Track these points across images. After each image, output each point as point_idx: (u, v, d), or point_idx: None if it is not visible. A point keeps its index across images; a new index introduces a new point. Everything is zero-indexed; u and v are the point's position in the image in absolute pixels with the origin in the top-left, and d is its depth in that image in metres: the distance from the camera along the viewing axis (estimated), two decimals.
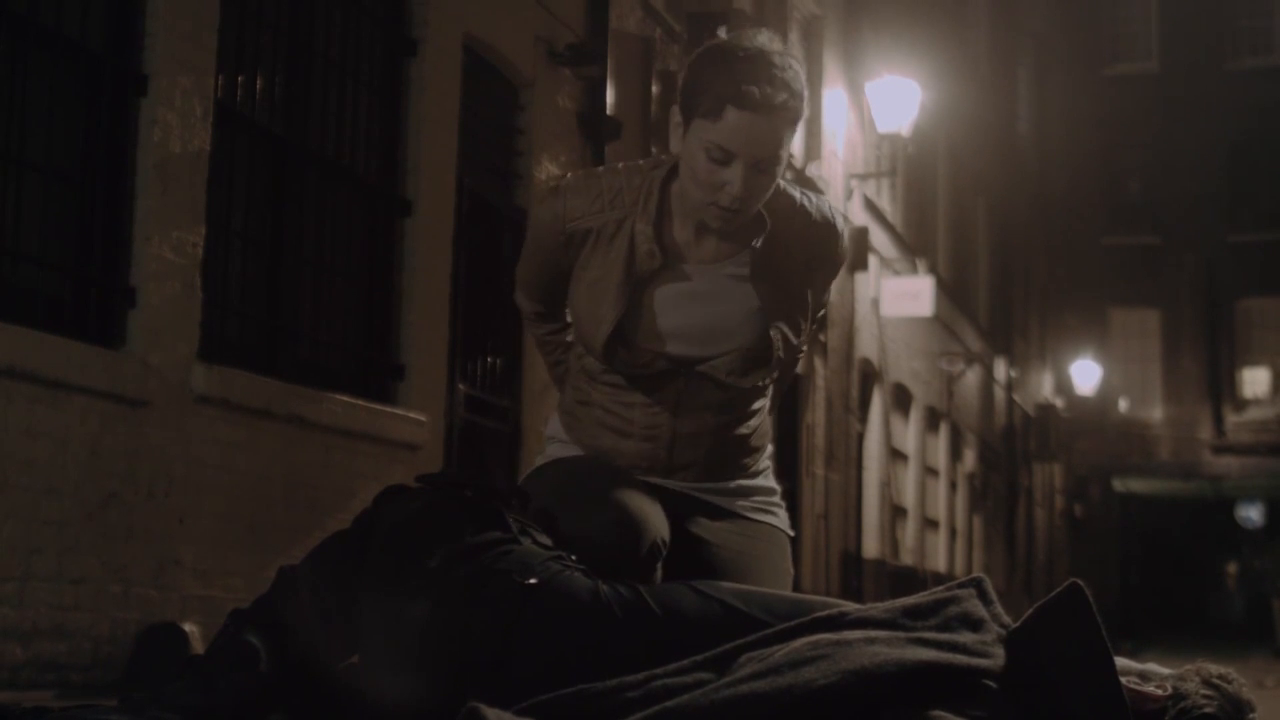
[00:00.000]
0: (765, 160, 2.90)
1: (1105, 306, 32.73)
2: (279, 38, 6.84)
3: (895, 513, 18.46)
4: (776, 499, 3.27)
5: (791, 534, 3.28)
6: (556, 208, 3.11)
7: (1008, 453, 26.23)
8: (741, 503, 3.17)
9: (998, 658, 2.56)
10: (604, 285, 3.06)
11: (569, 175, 3.21)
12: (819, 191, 3.33)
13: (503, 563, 2.66)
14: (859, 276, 16.26)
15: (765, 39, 2.96)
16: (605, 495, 2.94)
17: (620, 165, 3.15)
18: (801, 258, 3.10)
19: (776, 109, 2.87)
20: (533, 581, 2.63)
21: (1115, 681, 2.54)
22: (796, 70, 2.93)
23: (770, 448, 3.30)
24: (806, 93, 2.94)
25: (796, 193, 3.12)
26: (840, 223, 3.16)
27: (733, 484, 3.16)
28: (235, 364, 6.26)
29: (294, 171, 6.89)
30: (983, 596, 2.70)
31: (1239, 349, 32.36)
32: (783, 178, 3.05)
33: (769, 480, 3.27)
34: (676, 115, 2.99)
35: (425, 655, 2.60)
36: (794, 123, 2.92)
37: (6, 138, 5.23)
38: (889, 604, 2.70)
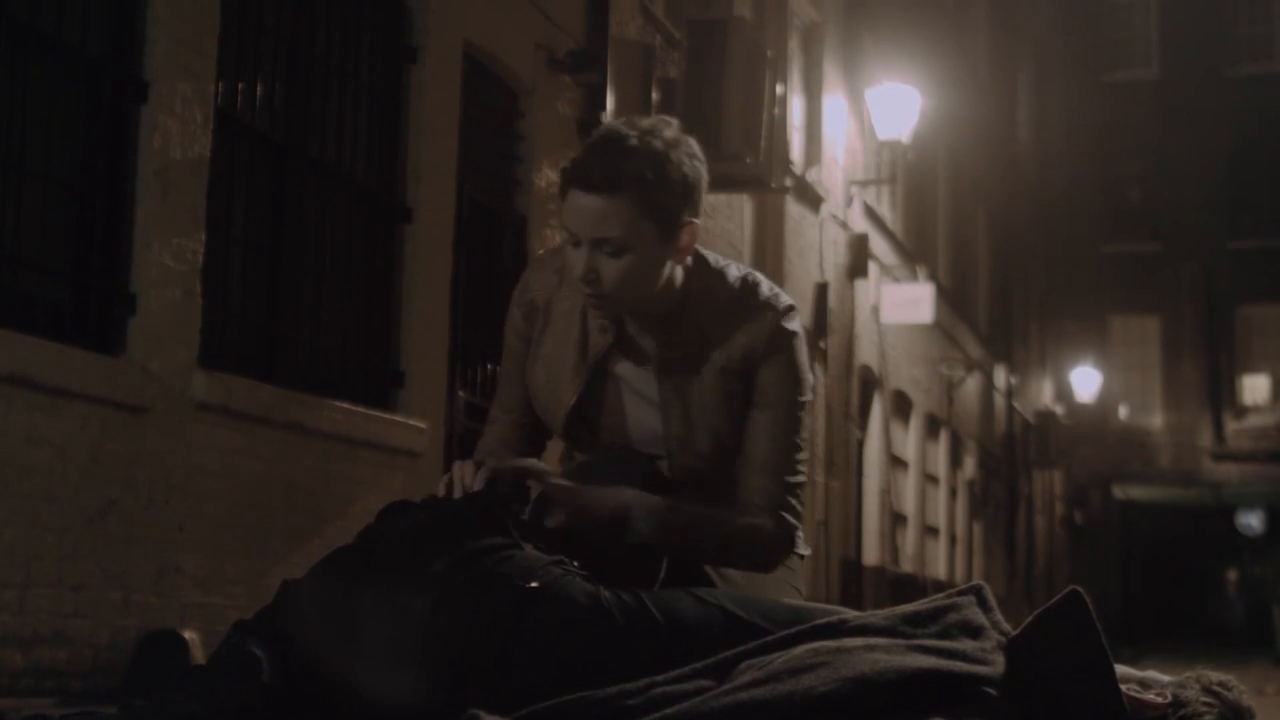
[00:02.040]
0: (605, 242, 2.80)
1: (1105, 313, 32.74)
2: (279, 44, 6.85)
3: (895, 520, 18.46)
4: None
5: (804, 553, 3.17)
6: (520, 286, 3.11)
7: (1008, 460, 26.23)
8: None
9: (998, 665, 2.56)
10: (559, 365, 3.02)
11: (539, 256, 3.21)
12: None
13: (504, 567, 2.66)
14: (859, 283, 16.27)
15: (636, 123, 2.87)
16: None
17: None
18: (727, 349, 2.93)
19: (605, 186, 2.78)
20: (534, 586, 2.63)
21: (1115, 689, 2.54)
22: (657, 155, 2.80)
23: None
24: (669, 179, 2.80)
25: (734, 274, 2.98)
26: (781, 306, 2.96)
27: None
28: (235, 370, 6.26)
29: (294, 178, 6.89)
30: (982, 604, 2.70)
31: (1239, 356, 32.37)
32: (724, 261, 2.99)
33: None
34: None
35: (427, 656, 2.60)
36: (641, 206, 2.79)
37: (7, 144, 5.23)
38: (889, 611, 2.70)
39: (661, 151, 2.82)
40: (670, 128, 2.88)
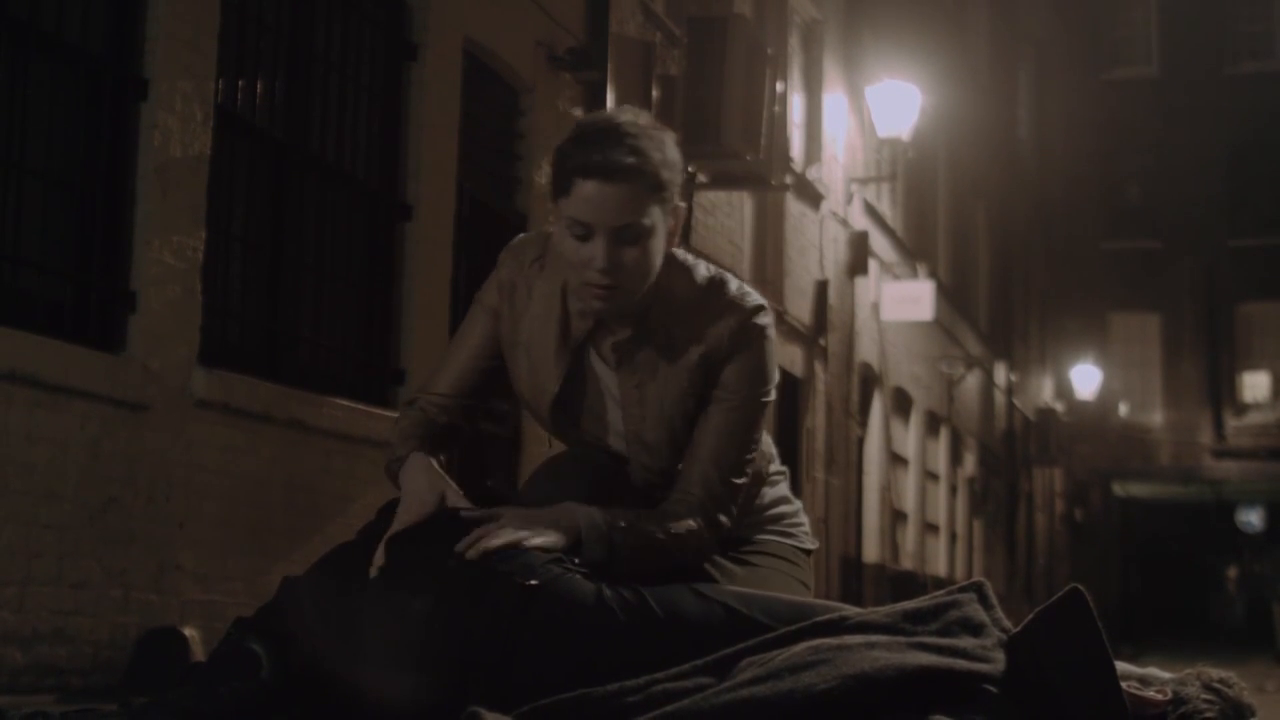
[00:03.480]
0: (625, 229, 2.79)
1: (1105, 311, 32.74)
2: (279, 42, 6.85)
3: (895, 517, 18.47)
4: (785, 519, 3.18)
5: (810, 547, 3.18)
6: (498, 267, 3.09)
7: (1008, 457, 26.23)
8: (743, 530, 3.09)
9: (998, 662, 2.56)
10: (541, 350, 3.00)
11: (521, 237, 3.15)
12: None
13: (504, 565, 2.66)
14: (859, 281, 16.28)
15: (619, 113, 2.87)
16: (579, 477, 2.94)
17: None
18: (691, 347, 2.91)
19: (622, 172, 2.76)
20: (534, 583, 2.63)
21: (1116, 686, 2.54)
22: (655, 139, 2.82)
23: (771, 469, 3.17)
24: (669, 160, 2.81)
25: (702, 273, 2.95)
26: (749, 304, 2.93)
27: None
28: (235, 368, 6.26)
29: (294, 176, 6.89)
30: (983, 601, 2.70)
31: (1239, 353, 32.37)
32: (685, 257, 2.96)
33: (777, 498, 3.18)
34: (554, 209, 2.90)
35: (427, 653, 2.60)
36: (652, 190, 2.79)
37: (7, 142, 5.23)
38: (889, 608, 2.70)
39: (658, 136, 2.84)
40: (644, 115, 2.89)
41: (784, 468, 3.25)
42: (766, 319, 2.96)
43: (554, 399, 2.99)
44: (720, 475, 2.90)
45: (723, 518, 2.91)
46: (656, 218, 2.82)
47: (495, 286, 3.09)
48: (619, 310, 2.89)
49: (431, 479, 2.87)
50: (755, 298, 2.97)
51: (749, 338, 2.92)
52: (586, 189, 2.77)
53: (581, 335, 2.96)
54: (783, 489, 3.21)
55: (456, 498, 2.83)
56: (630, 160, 2.76)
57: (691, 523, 2.85)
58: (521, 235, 3.13)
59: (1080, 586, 2.61)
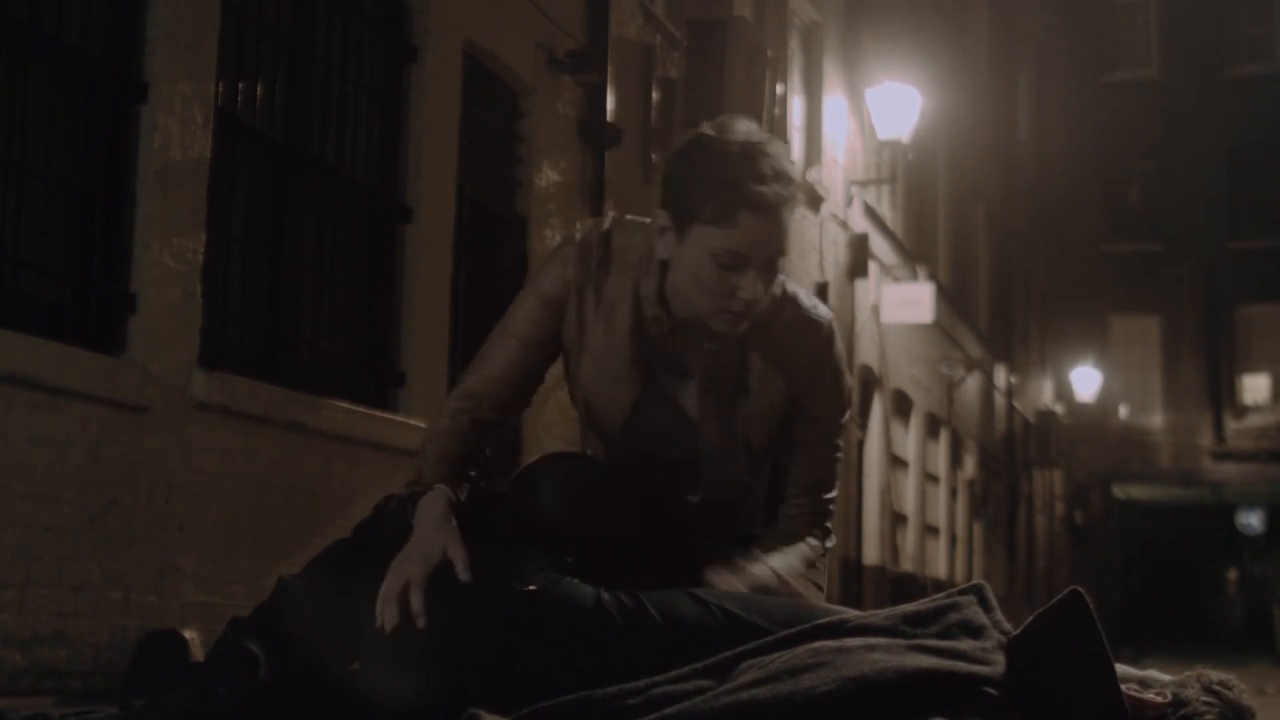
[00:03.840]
0: (776, 258, 2.78)
1: (1105, 313, 32.73)
2: (279, 44, 6.85)
3: (895, 519, 18.46)
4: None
5: (827, 545, 3.18)
6: (563, 268, 2.94)
7: (1008, 459, 26.22)
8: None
9: (998, 665, 2.56)
10: (612, 363, 2.91)
11: (576, 230, 3.01)
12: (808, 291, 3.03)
13: (501, 571, 2.66)
14: (859, 283, 16.27)
15: (747, 128, 2.79)
16: (577, 477, 2.93)
17: (625, 221, 2.99)
18: (771, 366, 2.91)
19: (787, 205, 2.74)
20: (532, 588, 2.63)
21: (1116, 689, 2.54)
22: (785, 152, 2.79)
23: None
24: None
25: (783, 286, 2.93)
26: (825, 321, 2.94)
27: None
28: (235, 370, 6.26)
29: (294, 178, 6.89)
30: (983, 603, 2.70)
31: (1239, 355, 32.36)
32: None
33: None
34: (663, 219, 2.81)
35: (426, 656, 2.60)
36: (793, 211, 2.80)
37: (7, 144, 5.23)
38: (889, 611, 2.70)
39: (788, 152, 2.82)
40: (756, 124, 2.85)
41: None
42: (836, 333, 2.99)
43: (629, 413, 2.93)
44: (817, 499, 2.99)
45: (831, 532, 3.03)
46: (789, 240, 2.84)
47: (561, 283, 2.95)
48: (736, 332, 2.86)
49: (439, 533, 2.71)
50: (825, 311, 2.99)
51: (829, 357, 2.95)
52: (752, 223, 2.71)
53: (661, 351, 2.89)
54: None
55: (457, 552, 2.69)
56: (791, 191, 2.75)
57: (817, 544, 2.97)
58: (581, 231, 2.99)
59: (1080, 589, 2.61)
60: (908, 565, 19.05)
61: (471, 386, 3.00)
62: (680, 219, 2.77)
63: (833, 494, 3.02)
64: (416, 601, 2.60)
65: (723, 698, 2.45)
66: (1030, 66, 29.72)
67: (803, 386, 2.93)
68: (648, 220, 2.94)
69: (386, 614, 2.60)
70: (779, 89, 11.40)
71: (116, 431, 5.53)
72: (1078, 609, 2.56)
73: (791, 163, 2.78)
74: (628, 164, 10.23)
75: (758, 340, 2.90)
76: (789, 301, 2.93)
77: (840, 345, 2.99)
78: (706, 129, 2.80)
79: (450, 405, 3.01)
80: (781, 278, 2.90)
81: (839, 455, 3.03)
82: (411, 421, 7.49)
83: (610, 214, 3.02)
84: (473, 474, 2.99)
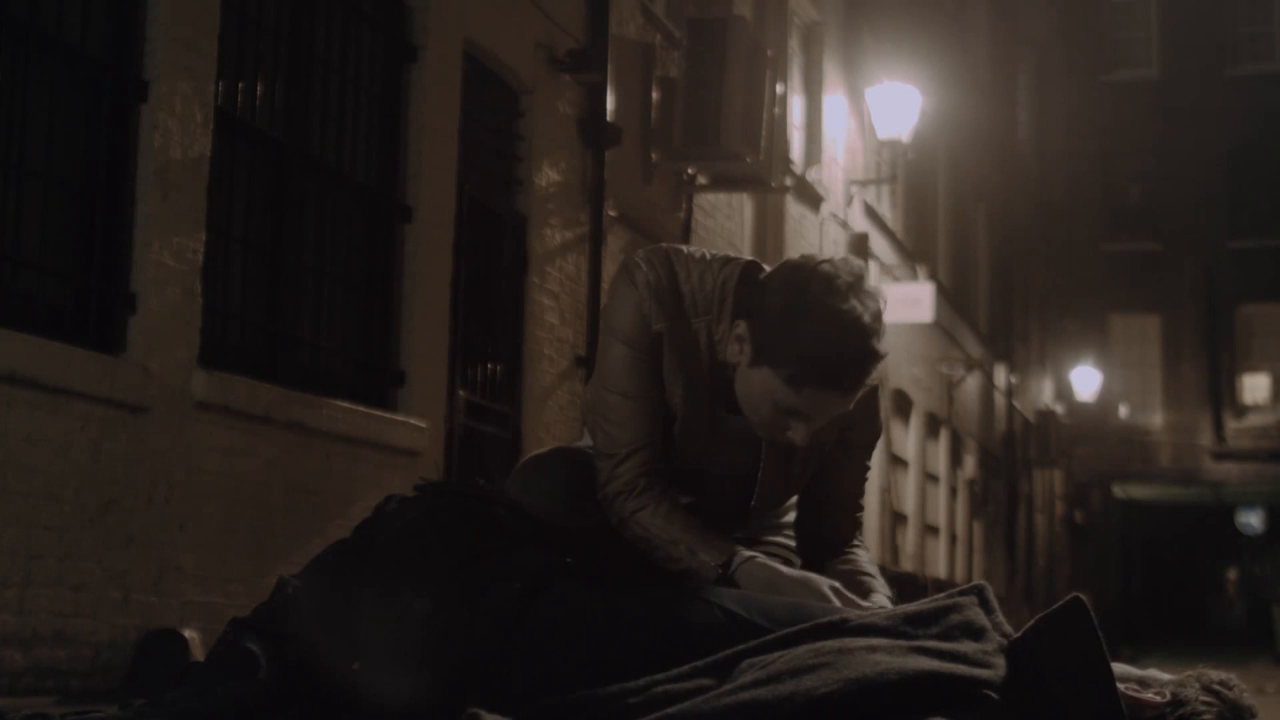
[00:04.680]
0: (833, 421, 2.89)
1: (1105, 312, 32.73)
2: (279, 44, 6.85)
3: (895, 519, 18.46)
4: (789, 517, 3.24)
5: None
6: (642, 309, 2.89)
7: (1008, 459, 26.22)
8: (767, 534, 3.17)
9: (999, 668, 2.56)
10: (691, 412, 2.92)
11: (643, 268, 2.92)
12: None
13: (503, 569, 2.65)
14: None
15: (852, 285, 2.74)
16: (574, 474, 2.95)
17: (683, 257, 2.93)
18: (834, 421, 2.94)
19: (857, 389, 2.80)
20: (531, 591, 2.63)
21: (1115, 696, 2.54)
22: (881, 323, 2.78)
23: None
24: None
25: None
26: (873, 381, 2.97)
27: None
28: (235, 370, 6.26)
29: (294, 177, 6.89)
30: (984, 604, 2.70)
31: (1239, 355, 32.36)
32: None
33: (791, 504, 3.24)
34: (742, 330, 2.80)
35: (427, 655, 2.60)
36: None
37: (7, 143, 5.23)
38: (890, 610, 2.70)
39: (882, 305, 2.83)
40: (862, 270, 2.82)
41: None
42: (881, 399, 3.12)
43: (706, 446, 2.97)
44: (855, 517, 3.18)
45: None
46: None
47: (650, 332, 2.90)
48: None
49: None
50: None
51: (874, 398, 3.06)
52: (822, 398, 2.77)
53: (733, 370, 2.89)
54: None
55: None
56: (870, 375, 2.80)
57: (865, 563, 3.15)
58: (645, 268, 2.91)
59: (1081, 596, 2.62)
60: (908, 565, 19.04)
61: (639, 461, 2.92)
62: (757, 351, 2.78)
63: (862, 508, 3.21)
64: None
65: (724, 698, 2.45)
66: (1030, 66, 29.72)
67: (850, 422, 3.03)
68: (706, 256, 2.94)
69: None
70: (779, 88, 11.40)
71: (116, 431, 5.53)
72: (1078, 615, 2.56)
73: (884, 335, 2.78)
74: (628, 164, 10.22)
75: None
76: None
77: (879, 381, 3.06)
78: (817, 273, 2.76)
79: (634, 496, 2.91)
80: None
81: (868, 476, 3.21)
82: (411, 421, 7.49)
83: (664, 246, 2.99)
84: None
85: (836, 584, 2.82)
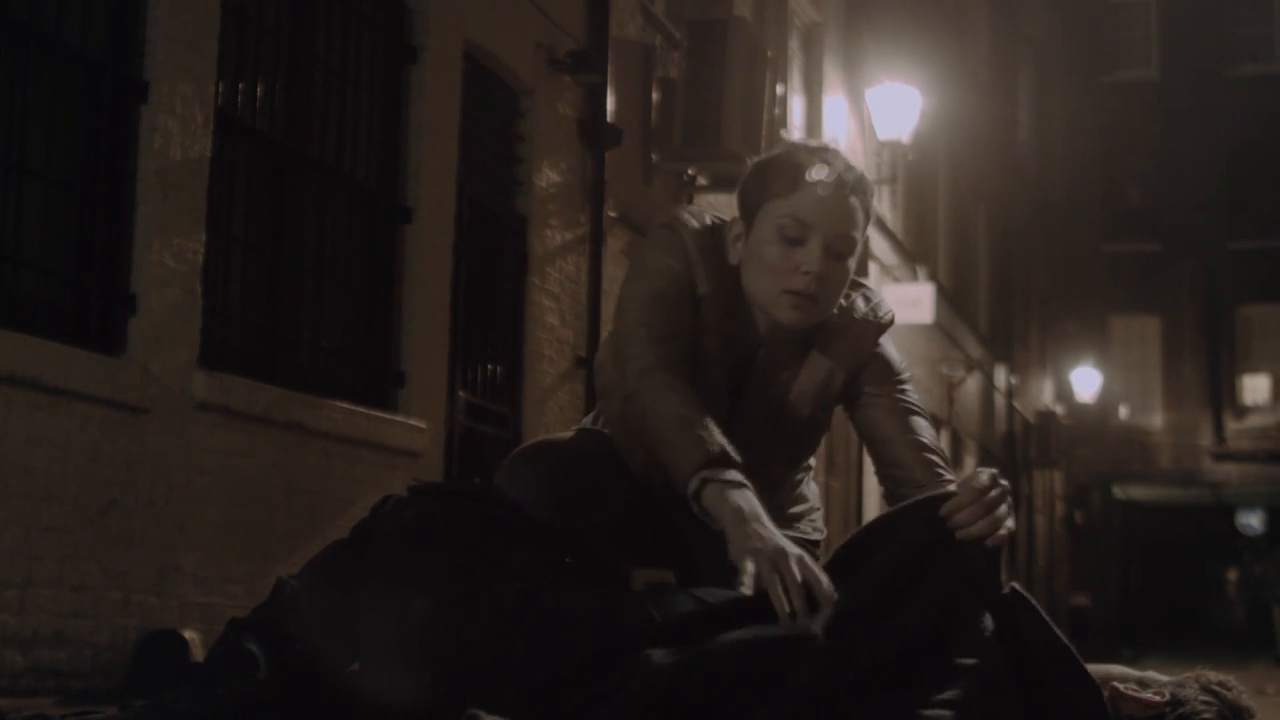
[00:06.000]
0: (841, 240, 2.81)
1: (1105, 313, 32.73)
2: (279, 45, 6.85)
3: None
4: (800, 508, 3.23)
5: (816, 537, 3.23)
6: (693, 266, 2.88)
7: (1008, 459, 26.22)
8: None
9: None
10: (707, 364, 2.90)
11: (684, 226, 2.91)
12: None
13: (501, 571, 2.66)
14: None
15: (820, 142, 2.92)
16: (575, 472, 2.94)
17: (709, 224, 2.94)
18: (837, 370, 2.95)
19: (851, 184, 2.82)
20: (531, 591, 2.63)
21: (1080, 666, 2.54)
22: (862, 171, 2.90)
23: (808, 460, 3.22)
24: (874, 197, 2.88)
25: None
26: (887, 321, 2.98)
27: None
28: (236, 371, 6.26)
29: (294, 178, 6.90)
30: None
31: (1239, 356, 32.36)
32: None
33: (797, 493, 3.22)
34: (735, 227, 2.87)
35: (426, 656, 2.60)
36: (866, 211, 2.85)
37: (7, 144, 5.23)
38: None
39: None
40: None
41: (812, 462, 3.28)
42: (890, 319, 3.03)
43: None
44: (929, 455, 2.95)
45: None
46: (860, 239, 2.86)
47: (692, 284, 2.88)
48: (802, 326, 2.87)
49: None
50: (885, 310, 3.02)
51: (869, 334, 2.98)
52: (815, 191, 2.79)
53: (745, 351, 2.90)
54: (808, 479, 3.28)
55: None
56: (857, 174, 2.83)
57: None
58: (687, 226, 2.91)
59: (1017, 585, 2.63)
60: None
61: (667, 350, 2.80)
62: (749, 210, 2.85)
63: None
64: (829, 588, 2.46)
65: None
66: (1030, 66, 29.72)
67: (855, 364, 2.96)
68: (722, 222, 2.97)
69: (798, 606, 2.42)
70: (779, 89, 11.40)
71: (116, 431, 5.53)
72: (1023, 604, 2.58)
73: (863, 172, 2.88)
74: (628, 164, 10.23)
75: (821, 341, 2.94)
76: (852, 303, 2.97)
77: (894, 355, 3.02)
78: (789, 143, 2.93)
79: (655, 371, 2.77)
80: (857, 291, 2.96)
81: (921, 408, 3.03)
82: (411, 421, 7.49)
83: (707, 213, 2.99)
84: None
85: (801, 554, 2.47)
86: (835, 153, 2.85)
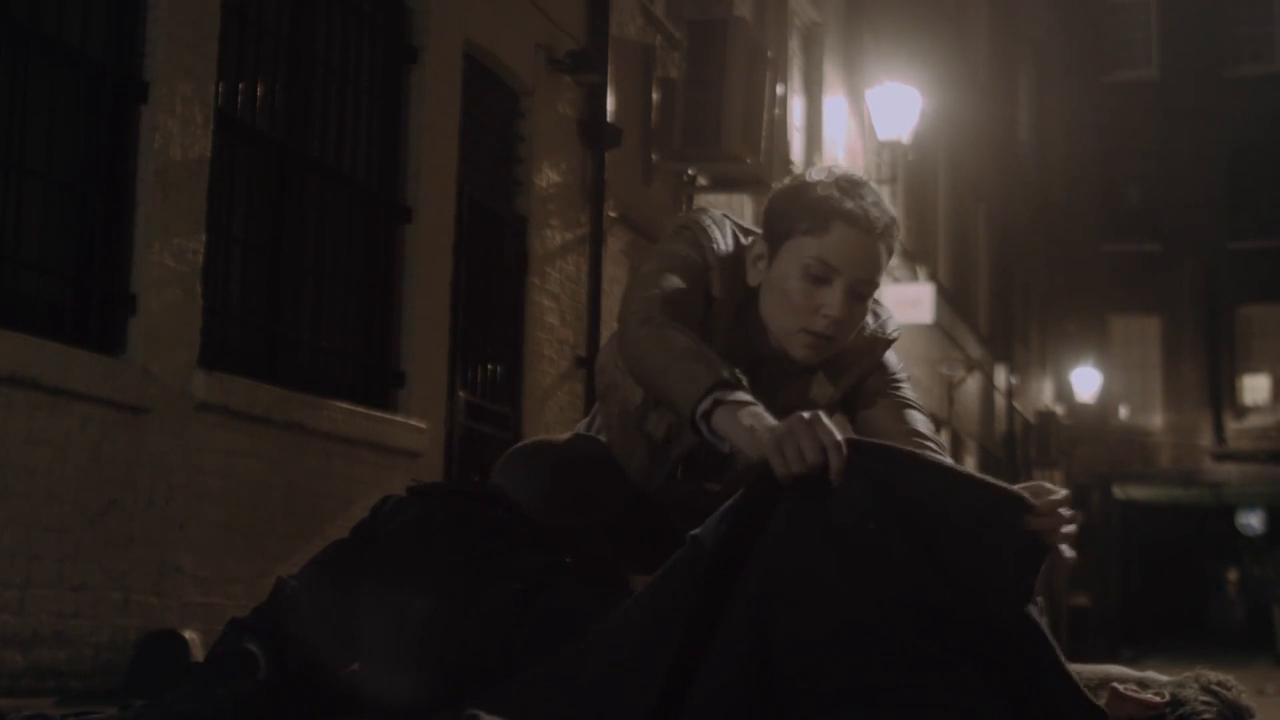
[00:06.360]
0: (865, 285, 2.83)
1: (1105, 313, 32.71)
2: (280, 45, 6.85)
3: None
4: None
5: None
6: (702, 259, 2.89)
7: (1008, 460, 26.21)
8: None
9: None
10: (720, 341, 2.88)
11: (705, 231, 2.92)
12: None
13: (501, 571, 2.66)
14: None
15: (851, 172, 2.88)
16: (572, 471, 2.95)
17: (730, 233, 2.95)
18: (840, 383, 2.96)
19: (882, 231, 2.81)
20: (531, 591, 2.63)
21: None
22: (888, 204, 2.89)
23: None
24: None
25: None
26: (893, 336, 3.00)
27: None
28: (236, 371, 6.26)
29: (294, 178, 6.90)
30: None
31: (1239, 356, 32.34)
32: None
33: None
34: (758, 247, 2.87)
35: (427, 654, 2.60)
36: (891, 254, 2.86)
37: (7, 144, 5.23)
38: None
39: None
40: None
41: None
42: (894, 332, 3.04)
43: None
44: (934, 438, 2.95)
45: None
46: (881, 281, 2.88)
47: (706, 282, 2.88)
48: (814, 363, 2.89)
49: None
50: (894, 324, 3.03)
51: (875, 349, 3.01)
52: (847, 234, 2.78)
53: (751, 361, 2.88)
54: None
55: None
56: (888, 220, 2.81)
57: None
58: (706, 245, 2.90)
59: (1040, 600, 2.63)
60: None
61: (674, 312, 2.77)
62: (775, 238, 2.84)
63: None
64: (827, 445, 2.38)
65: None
66: (1030, 67, 29.71)
67: (859, 376, 2.98)
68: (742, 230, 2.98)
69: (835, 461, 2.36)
70: (779, 89, 11.40)
71: (116, 432, 5.53)
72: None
73: (890, 208, 2.85)
74: (628, 164, 10.22)
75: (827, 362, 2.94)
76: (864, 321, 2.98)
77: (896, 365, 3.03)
78: (811, 174, 2.89)
79: (659, 320, 2.74)
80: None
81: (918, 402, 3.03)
82: (411, 421, 7.49)
83: (728, 223, 2.97)
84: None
85: (815, 413, 2.41)
86: (869, 191, 2.83)
